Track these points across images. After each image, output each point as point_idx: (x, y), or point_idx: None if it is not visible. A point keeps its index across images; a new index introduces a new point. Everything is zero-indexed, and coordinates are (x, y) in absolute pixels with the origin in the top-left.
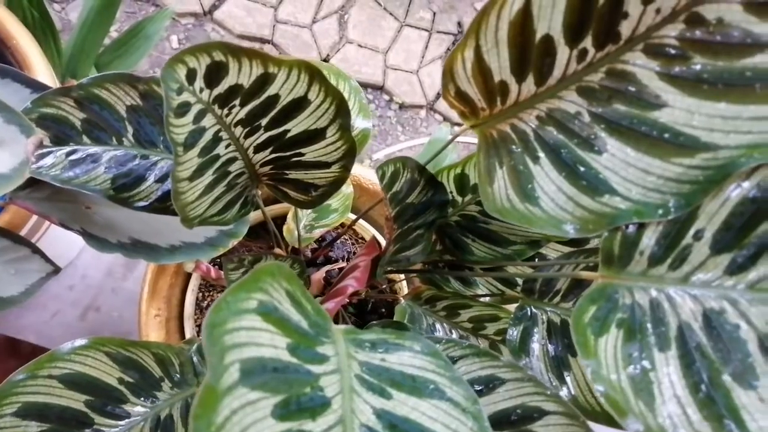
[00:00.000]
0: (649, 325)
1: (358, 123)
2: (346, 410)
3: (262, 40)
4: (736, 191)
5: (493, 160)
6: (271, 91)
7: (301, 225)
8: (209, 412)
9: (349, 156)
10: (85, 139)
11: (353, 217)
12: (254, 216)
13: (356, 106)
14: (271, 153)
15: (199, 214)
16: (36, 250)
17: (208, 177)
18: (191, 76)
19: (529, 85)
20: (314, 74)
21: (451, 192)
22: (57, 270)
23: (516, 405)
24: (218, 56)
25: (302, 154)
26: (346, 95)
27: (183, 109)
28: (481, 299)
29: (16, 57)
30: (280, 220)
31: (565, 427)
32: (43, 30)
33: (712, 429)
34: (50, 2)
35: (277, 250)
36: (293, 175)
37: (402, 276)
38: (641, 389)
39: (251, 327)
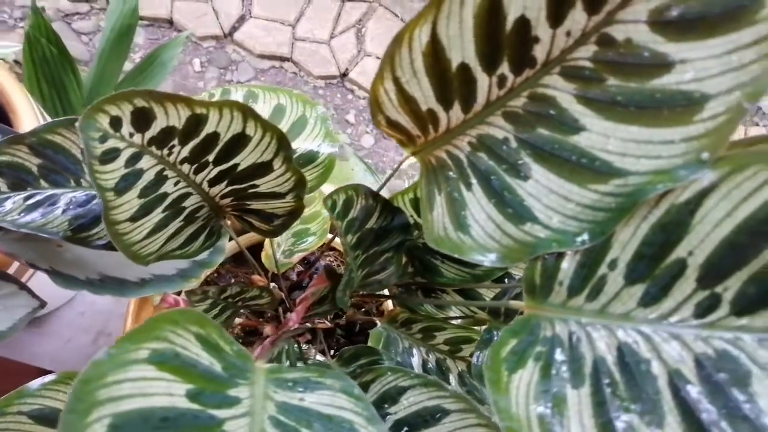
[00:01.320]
0: (566, 360)
1: (324, 149)
2: None
3: (282, 58)
4: (648, 219)
5: (433, 186)
6: (209, 129)
7: (281, 250)
8: None
9: (300, 187)
10: (42, 183)
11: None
12: (233, 245)
13: (322, 132)
14: (227, 186)
15: (154, 250)
16: (23, 287)
17: (157, 215)
18: (116, 123)
19: (457, 113)
20: (247, 111)
21: (411, 215)
22: (43, 304)
23: None
24: (140, 103)
25: (257, 186)
26: (312, 122)
27: (110, 155)
28: (454, 321)
29: (1, 100)
30: (261, 247)
31: None
32: (63, 64)
33: None
34: (78, 35)
35: (255, 277)
36: (255, 205)
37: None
38: (548, 429)
39: (141, 377)
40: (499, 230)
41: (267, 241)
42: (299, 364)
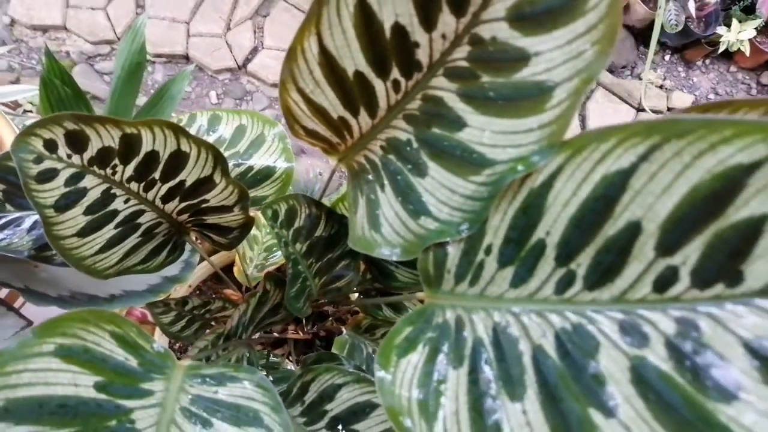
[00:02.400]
0: (451, 344)
1: (280, 164)
2: None
3: None
4: (513, 204)
5: (356, 191)
6: (146, 148)
7: (253, 265)
8: None
9: (244, 199)
10: (7, 206)
11: None
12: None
13: (279, 149)
14: (180, 202)
15: (112, 264)
16: (10, 308)
17: (108, 231)
18: (51, 145)
19: (365, 118)
20: (177, 130)
21: None
22: (30, 323)
23: (385, 429)
24: (70, 126)
25: (207, 200)
26: (269, 140)
27: (47, 175)
28: None
29: None
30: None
31: None
32: (77, 104)
33: None
34: (101, 75)
35: (228, 291)
36: (210, 219)
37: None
38: (426, 410)
39: (44, 368)
40: (404, 226)
41: (237, 257)
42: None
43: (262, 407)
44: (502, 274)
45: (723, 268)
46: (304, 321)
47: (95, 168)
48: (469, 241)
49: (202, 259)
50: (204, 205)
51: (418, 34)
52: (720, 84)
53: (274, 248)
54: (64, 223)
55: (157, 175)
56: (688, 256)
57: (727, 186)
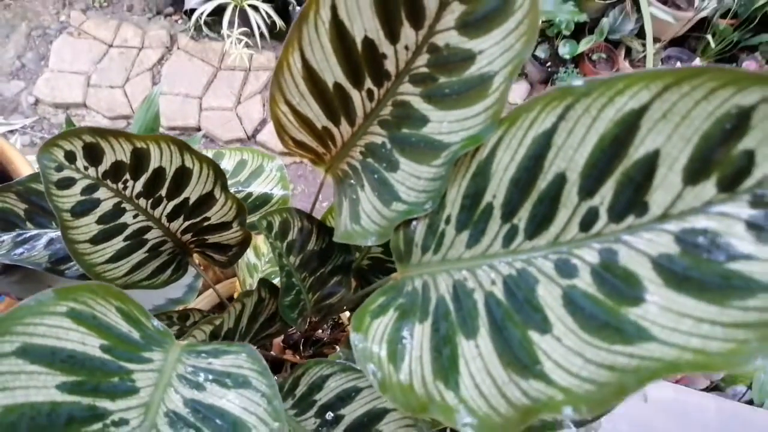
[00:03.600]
0: (418, 304)
1: (276, 191)
2: (155, 398)
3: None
4: (465, 177)
5: (341, 195)
6: (154, 164)
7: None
8: None
9: (242, 214)
10: (28, 224)
11: None
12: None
13: (276, 178)
14: (184, 220)
15: (120, 276)
16: None
17: (118, 243)
18: (71, 156)
19: (346, 127)
20: (182, 145)
21: None
22: None
23: (368, 410)
24: (88, 138)
25: (209, 218)
26: (268, 171)
27: (65, 183)
28: None
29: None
30: None
31: (401, 421)
32: None
33: (437, 379)
34: None
35: None
36: (212, 239)
37: None
38: (394, 356)
39: (57, 325)
40: (379, 215)
41: (238, 285)
42: None
43: (250, 373)
44: (460, 238)
45: (631, 201)
46: (301, 346)
47: (108, 182)
48: (432, 216)
49: (205, 288)
50: (206, 224)
51: (385, 46)
52: None
53: (273, 276)
54: (78, 229)
55: (163, 192)
56: (604, 196)
57: (625, 129)
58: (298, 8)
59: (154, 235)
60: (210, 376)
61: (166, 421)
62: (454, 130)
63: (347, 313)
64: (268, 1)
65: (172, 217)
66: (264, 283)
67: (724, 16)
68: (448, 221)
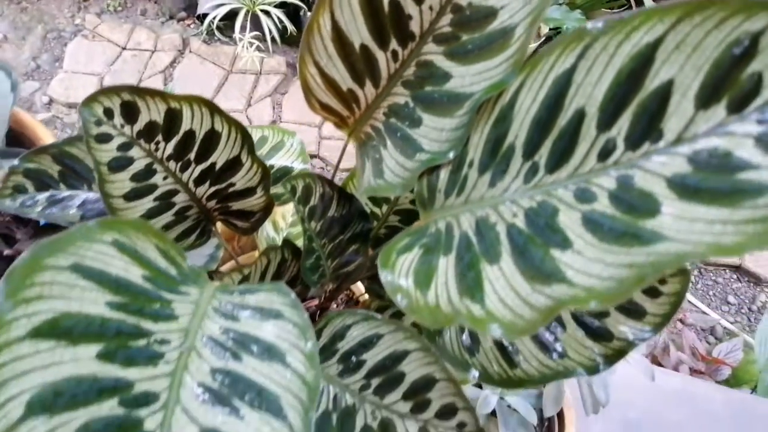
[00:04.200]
0: (442, 242)
1: (297, 165)
2: (193, 325)
3: (311, 155)
4: (488, 122)
5: (364, 157)
6: (185, 126)
7: None
8: (28, 275)
9: (266, 178)
10: (61, 186)
11: None
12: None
13: (296, 152)
14: (210, 186)
15: None
16: None
17: (149, 202)
18: (109, 113)
19: (370, 89)
20: (212, 107)
21: (367, 204)
22: None
23: (390, 353)
24: (126, 96)
25: (234, 184)
26: (288, 145)
27: (104, 137)
28: None
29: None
30: None
31: (423, 359)
32: None
33: (464, 297)
34: None
35: None
36: (236, 206)
37: None
38: (421, 284)
39: (103, 252)
40: (402, 168)
41: (257, 255)
42: None
43: (282, 307)
44: (482, 180)
45: (647, 130)
46: (317, 318)
47: (141, 141)
48: (455, 162)
49: (222, 263)
50: (231, 189)
51: (410, 7)
52: None
53: None
54: (114, 183)
55: (192, 156)
56: (621, 126)
57: (641, 63)
58: (309, 14)
59: (181, 199)
60: (244, 310)
61: (204, 343)
62: (476, 81)
63: (362, 288)
64: (280, 6)
65: (198, 182)
66: (287, 244)
67: None
68: (470, 165)
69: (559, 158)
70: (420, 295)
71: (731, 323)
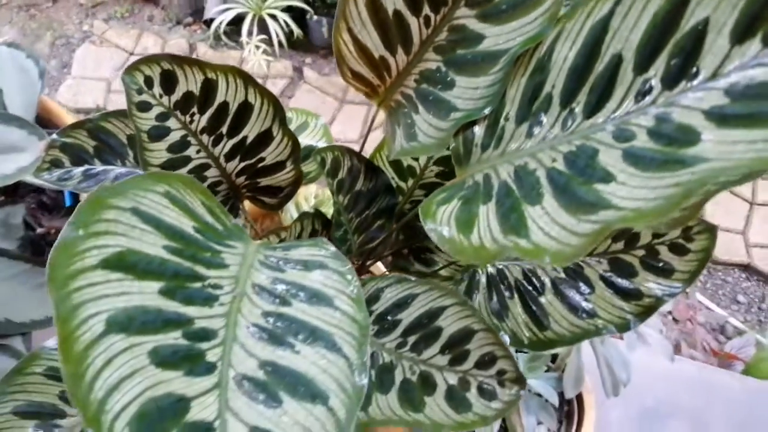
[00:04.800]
0: (481, 192)
1: (321, 144)
2: (242, 275)
3: None
4: (524, 75)
5: (394, 124)
6: (219, 98)
7: None
8: (96, 211)
9: (297, 151)
10: (96, 161)
11: None
12: None
13: (321, 132)
14: (240, 161)
15: None
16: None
17: (182, 174)
18: (149, 82)
19: (402, 56)
20: (246, 78)
21: (393, 178)
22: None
23: (426, 310)
24: (166, 65)
25: (263, 159)
26: (312, 126)
27: (144, 106)
28: (441, 272)
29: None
30: None
31: (460, 313)
32: None
33: (509, 234)
34: None
35: None
36: (265, 182)
37: None
38: (463, 228)
39: (157, 202)
40: (435, 129)
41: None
42: None
43: (325, 259)
44: (519, 131)
45: (683, 68)
46: None
47: (178, 113)
48: (490, 117)
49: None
50: (260, 165)
51: None
52: None
53: None
54: (153, 152)
55: (224, 129)
56: (658, 68)
57: (677, 4)
58: (315, 17)
59: (212, 174)
60: (288, 263)
61: (254, 290)
62: (512, 38)
63: (382, 268)
64: (287, 10)
65: (229, 156)
66: (319, 214)
67: None
68: (507, 118)
69: (596, 103)
70: (463, 238)
71: (741, 322)
